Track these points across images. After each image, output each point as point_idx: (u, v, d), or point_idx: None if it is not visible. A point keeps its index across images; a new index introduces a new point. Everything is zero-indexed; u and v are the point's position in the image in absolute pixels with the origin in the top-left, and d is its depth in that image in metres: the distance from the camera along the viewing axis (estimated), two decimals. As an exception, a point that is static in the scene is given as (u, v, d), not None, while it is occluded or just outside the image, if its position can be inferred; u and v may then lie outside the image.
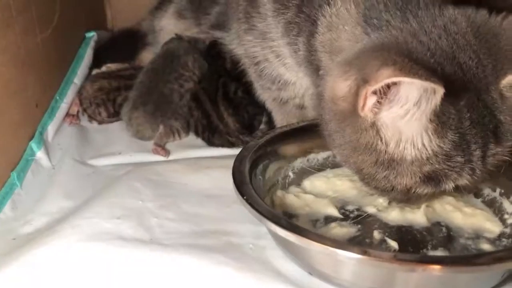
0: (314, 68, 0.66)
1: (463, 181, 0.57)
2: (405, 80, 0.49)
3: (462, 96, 0.53)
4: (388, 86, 0.51)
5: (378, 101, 0.52)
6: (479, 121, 0.54)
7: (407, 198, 0.61)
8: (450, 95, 0.52)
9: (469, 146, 0.55)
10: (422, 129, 0.54)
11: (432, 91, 0.50)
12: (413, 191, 0.58)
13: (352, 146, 0.58)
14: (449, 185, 0.58)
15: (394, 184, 0.58)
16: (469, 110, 0.54)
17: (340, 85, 0.55)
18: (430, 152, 0.54)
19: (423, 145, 0.54)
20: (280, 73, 0.80)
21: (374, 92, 0.51)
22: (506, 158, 0.58)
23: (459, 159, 0.55)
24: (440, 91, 0.49)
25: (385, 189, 0.59)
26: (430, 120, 0.53)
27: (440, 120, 0.53)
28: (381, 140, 0.55)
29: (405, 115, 0.52)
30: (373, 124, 0.55)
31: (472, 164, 0.56)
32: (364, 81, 0.51)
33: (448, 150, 0.54)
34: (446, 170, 0.55)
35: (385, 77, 0.48)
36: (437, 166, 0.55)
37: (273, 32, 0.73)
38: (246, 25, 0.78)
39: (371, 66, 0.50)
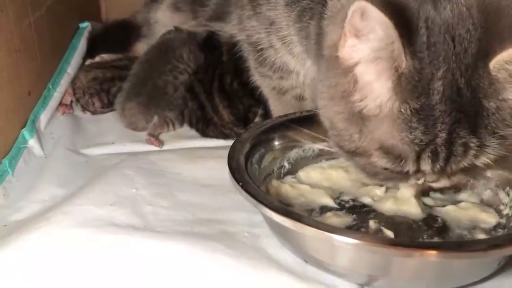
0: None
1: (426, 166, 0.54)
2: (362, 5, 0.49)
3: (439, 66, 0.51)
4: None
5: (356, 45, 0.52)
6: (454, 99, 0.51)
7: (374, 172, 0.59)
8: (423, 62, 0.51)
9: (435, 124, 0.51)
10: (385, 84, 0.52)
11: (390, 37, 0.49)
12: (375, 161, 0.56)
13: (330, 95, 0.57)
14: (410, 166, 0.54)
15: (357, 146, 0.56)
16: (444, 83, 0.51)
17: (335, 33, 0.55)
18: (387, 111, 0.52)
19: (384, 103, 0.52)
20: (286, 61, 0.79)
21: (356, 36, 0.51)
22: (492, 155, 0.54)
23: (419, 134, 0.52)
24: (393, 33, 0.49)
25: (350, 151, 0.57)
26: (393, 80, 0.51)
27: (402, 80, 0.51)
28: (354, 90, 0.54)
29: (372, 60, 0.52)
30: (351, 70, 0.54)
31: (434, 146, 0.52)
32: None
33: (407, 118, 0.51)
34: (406, 145, 0.53)
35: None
36: (395, 134, 0.52)
37: (284, 21, 0.72)
38: (251, 12, 0.78)
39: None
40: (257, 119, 0.93)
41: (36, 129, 0.85)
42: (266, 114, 0.92)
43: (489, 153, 0.54)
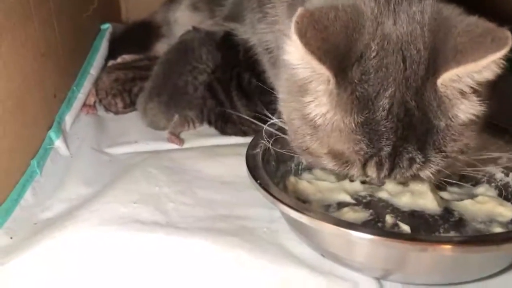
0: None
1: (371, 173, 0.56)
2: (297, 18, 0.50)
3: (388, 87, 0.52)
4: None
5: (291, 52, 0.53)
6: (402, 118, 0.52)
7: (323, 168, 0.60)
8: (368, 81, 0.53)
9: (380, 138, 0.53)
10: (322, 97, 0.53)
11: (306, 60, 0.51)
12: (324, 163, 0.57)
13: (288, 88, 0.58)
14: (356, 171, 0.56)
15: (308, 146, 0.57)
16: (391, 102, 0.52)
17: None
18: (331, 122, 0.53)
19: (324, 114, 0.53)
20: None
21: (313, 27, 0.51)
22: (434, 170, 0.55)
23: (364, 146, 0.53)
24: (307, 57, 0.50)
25: (302, 149, 0.58)
26: (327, 96, 0.52)
27: (336, 96, 0.52)
28: (306, 89, 0.54)
29: (303, 67, 0.53)
30: (304, 56, 0.52)
31: (379, 158, 0.54)
32: None
33: (352, 130, 0.53)
34: (352, 154, 0.54)
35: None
36: (342, 143, 0.54)
37: (281, 17, 0.73)
38: (260, 14, 0.79)
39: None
40: (275, 117, 0.95)
41: (61, 130, 0.88)
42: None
43: (432, 168, 0.55)
